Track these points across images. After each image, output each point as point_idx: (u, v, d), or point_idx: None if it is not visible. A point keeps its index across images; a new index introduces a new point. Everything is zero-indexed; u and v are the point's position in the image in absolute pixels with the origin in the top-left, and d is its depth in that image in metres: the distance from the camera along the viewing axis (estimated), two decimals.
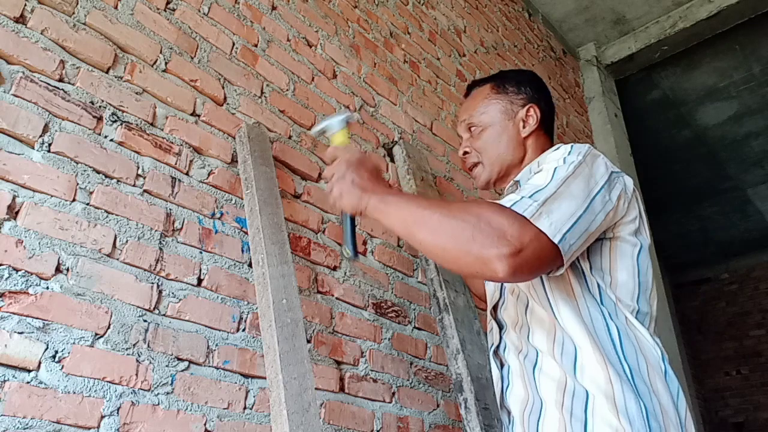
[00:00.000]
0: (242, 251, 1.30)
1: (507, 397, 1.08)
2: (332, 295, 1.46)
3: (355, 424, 1.35)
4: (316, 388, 1.20)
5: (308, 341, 1.34)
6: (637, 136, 4.03)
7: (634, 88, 4.15)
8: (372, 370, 1.46)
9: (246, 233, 1.32)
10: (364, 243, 1.63)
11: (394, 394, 1.49)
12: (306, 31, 1.74)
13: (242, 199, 1.34)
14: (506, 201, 0.92)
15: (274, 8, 1.66)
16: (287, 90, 1.60)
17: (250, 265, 1.30)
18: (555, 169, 0.98)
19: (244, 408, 1.17)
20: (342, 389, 1.37)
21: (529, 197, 0.91)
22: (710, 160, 4.99)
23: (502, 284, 1.17)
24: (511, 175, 1.23)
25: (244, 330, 1.23)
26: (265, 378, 1.20)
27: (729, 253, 6.71)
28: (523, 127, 1.23)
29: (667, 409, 0.94)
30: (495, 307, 1.19)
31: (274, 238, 1.26)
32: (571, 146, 1.06)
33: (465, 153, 1.29)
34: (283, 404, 1.07)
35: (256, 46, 1.56)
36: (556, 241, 0.87)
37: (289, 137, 1.55)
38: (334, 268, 1.50)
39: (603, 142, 3.49)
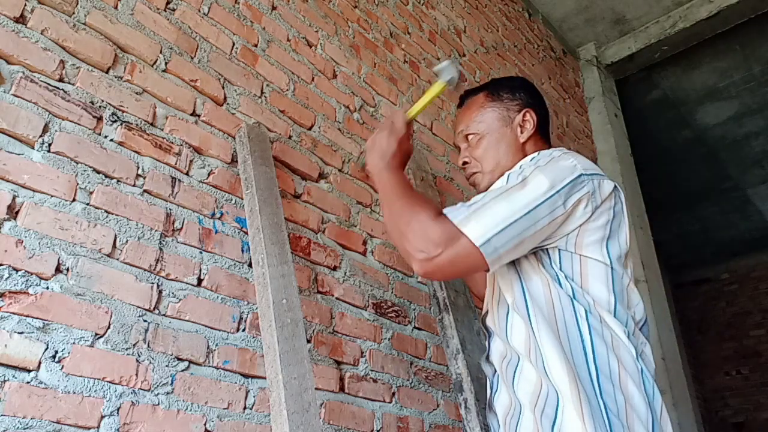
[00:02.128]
0: (242, 251, 1.30)
1: (495, 402, 1.10)
2: (332, 295, 1.46)
3: (355, 424, 1.35)
4: (316, 388, 1.20)
5: (308, 341, 1.34)
6: (637, 136, 4.03)
7: (634, 88, 4.15)
8: (372, 370, 1.46)
9: (246, 233, 1.32)
10: (364, 243, 1.63)
11: (394, 394, 1.49)
12: (306, 31, 1.74)
13: (242, 199, 1.34)
14: (448, 208, 1.01)
15: (274, 8, 1.66)
16: (287, 90, 1.60)
17: (250, 265, 1.30)
18: (509, 175, 1.06)
19: (244, 408, 1.17)
20: (342, 389, 1.37)
21: (468, 205, 1.00)
22: (710, 160, 4.99)
23: (492, 296, 1.19)
24: None
25: (244, 330, 1.23)
26: (265, 378, 1.20)
27: (729, 253, 6.70)
28: (521, 132, 1.24)
29: (637, 408, 0.95)
30: (486, 315, 1.20)
31: (274, 238, 1.26)
32: (539, 153, 1.10)
33: (465, 163, 1.28)
34: (283, 404, 1.07)
35: (256, 46, 1.56)
36: (478, 244, 0.94)
37: (289, 137, 1.55)
38: (334, 268, 1.50)
39: (603, 142, 3.49)
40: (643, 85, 4.16)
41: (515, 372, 1.05)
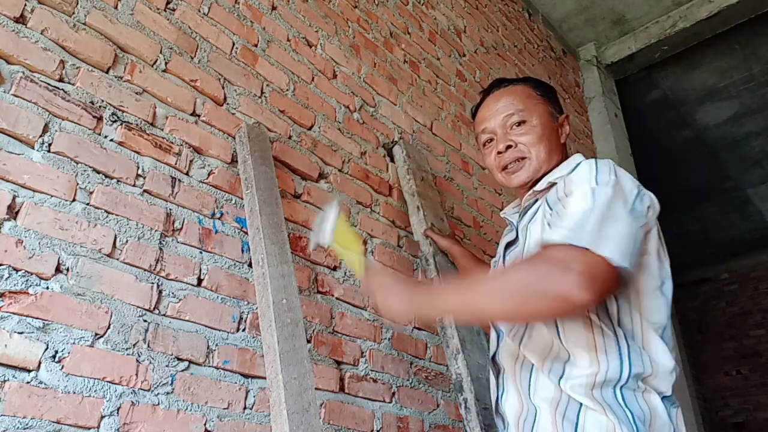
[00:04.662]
0: (242, 251, 1.30)
1: (502, 404, 1.09)
2: (332, 295, 1.46)
3: (355, 424, 1.35)
4: (316, 388, 1.20)
5: (308, 341, 1.34)
6: (637, 136, 4.03)
7: (634, 88, 4.15)
8: (372, 370, 1.46)
9: (246, 233, 1.32)
10: (364, 243, 1.63)
11: (394, 394, 1.49)
12: (306, 31, 1.74)
13: (242, 199, 1.34)
14: (557, 238, 0.90)
15: (274, 8, 1.66)
16: (287, 90, 1.60)
17: (250, 265, 1.30)
18: (593, 191, 0.96)
19: (244, 408, 1.17)
20: (342, 389, 1.37)
21: (581, 227, 0.90)
22: (710, 160, 4.99)
23: None
24: (535, 182, 1.19)
25: (244, 330, 1.23)
26: (265, 378, 1.20)
27: (729, 253, 6.70)
28: (561, 133, 1.22)
29: (660, 416, 0.95)
30: None
31: (274, 238, 1.26)
32: (596, 163, 1.03)
33: (508, 147, 1.19)
34: (283, 404, 1.07)
35: (256, 46, 1.56)
36: (622, 264, 0.87)
37: (289, 137, 1.55)
38: (334, 268, 1.50)
39: (603, 142, 3.49)
40: (643, 85, 4.16)
41: (530, 375, 1.03)
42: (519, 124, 1.20)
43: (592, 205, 0.93)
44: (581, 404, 0.95)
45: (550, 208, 1.04)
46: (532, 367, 1.04)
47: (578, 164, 1.07)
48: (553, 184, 1.13)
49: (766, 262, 6.70)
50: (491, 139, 1.24)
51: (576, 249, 0.87)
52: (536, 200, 1.16)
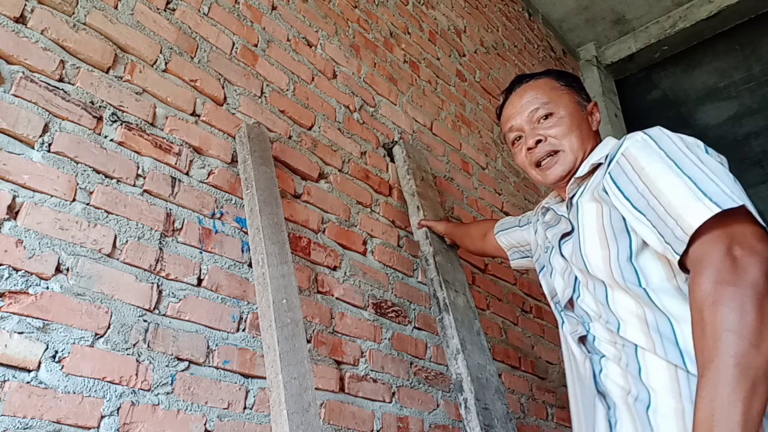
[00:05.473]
0: (242, 251, 1.30)
1: (602, 382, 1.02)
2: (332, 295, 1.46)
3: (355, 424, 1.35)
4: (316, 388, 1.20)
5: (308, 341, 1.34)
6: None
7: (634, 88, 4.15)
8: (372, 370, 1.46)
9: (246, 233, 1.32)
10: (364, 243, 1.63)
11: (394, 394, 1.49)
12: (306, 31, 1.74)
13: (242, 199, 1.34)
14: (696, 219, 0.83)
15: (274, 8, 1.66)
16: (287, 90, 1.60)
17: (250, 265, 1.30)
18: (673, 162, 0.91)
19: (244, 408, 1.17)
20: (342, 389, 1.37)
21: (708, 193, 0.85)
22: None
23: (575, 280, 1.10)
24: (574, 172, 1.16)
25: (244, 330, 1.23)
26: (265, 378, 1.20)
27: None
28: (591, 121, 1.20)
29: None
30: (570, 302, 1.11)
31: (274, 238, 1.26)
32: (644, 135, 0.99)
33: (538, 141, 1.17)
34: (283, 404, 1.07)
35: (256, 46, 1.56)
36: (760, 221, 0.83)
37: (289, 137, 1.55)
38: (334, 268, 1.50)
39: None
40: (643, 85, 4.16)
41: (637, 355, 0.96)
42: (546, 117, 1.18)
43: (683, 170, 0.89)
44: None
45: (621, 191, 0.97)
46: (635, 347, 0.97)
47: (624, 139, 1.03)
48: (597, 166, 1.09)
49: None
50: (520, 137, 1.22)
51: (723, 233, 0.82)
52: (580, 186, 1.14)
